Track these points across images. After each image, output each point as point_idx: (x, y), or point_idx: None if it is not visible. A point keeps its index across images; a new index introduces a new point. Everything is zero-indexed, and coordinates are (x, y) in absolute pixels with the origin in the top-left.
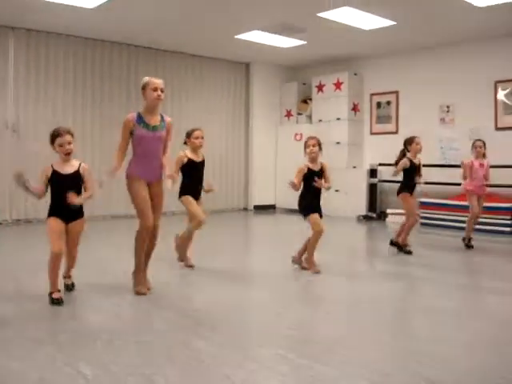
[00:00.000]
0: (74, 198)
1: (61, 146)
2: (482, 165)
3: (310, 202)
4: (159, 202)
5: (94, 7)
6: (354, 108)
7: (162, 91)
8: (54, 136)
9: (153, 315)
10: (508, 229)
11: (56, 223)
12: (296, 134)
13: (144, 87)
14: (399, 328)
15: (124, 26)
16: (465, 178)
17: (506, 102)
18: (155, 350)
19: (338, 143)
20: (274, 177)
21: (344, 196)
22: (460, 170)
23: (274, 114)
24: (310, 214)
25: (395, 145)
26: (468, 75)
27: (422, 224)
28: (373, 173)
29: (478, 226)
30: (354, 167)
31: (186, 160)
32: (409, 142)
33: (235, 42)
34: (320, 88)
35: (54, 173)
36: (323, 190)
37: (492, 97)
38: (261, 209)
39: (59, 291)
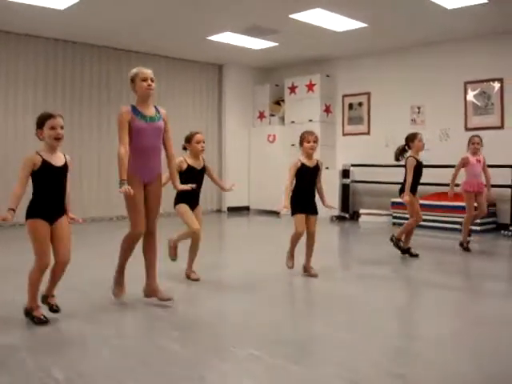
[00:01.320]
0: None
1: (52, 128)
2: (478, 161)
3: (299, 199)
4: (156, 204)
5: (64, 8)
6: (327, 109)
7: (152, 81)
8: (45, 118)
9: (126, 319)
10: (478, 228)
11: (43, 228)
12: (269, 136)
13: (133, 79)
14: (372, 326)
15: (95, 28)
16: (455, 174)
17: (476, 102)
18: (129, 353)
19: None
20: (248, 178)
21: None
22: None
23: (247, 115)
24: (296, 213)
25: (367, 145)
26: (438, 76)
27: (394, 224)
28: (345, 173)
29: (446, 225)
30: (327, 168)
31: (184, 166)
32: (411, 139)
33: (207, 44)
34: (292, 89)
35: (45, 164)
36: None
37: (462, 98)
38: (234, 210)
39: (39, 307)
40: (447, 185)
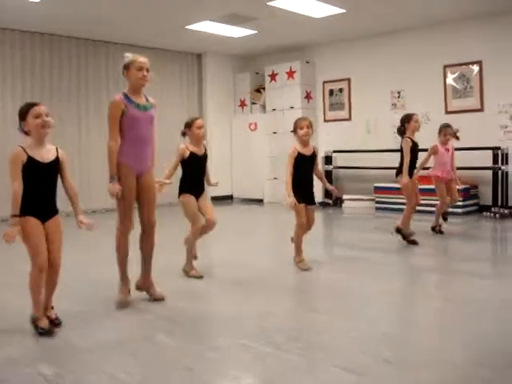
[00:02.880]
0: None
1: (37, 116)
2: (447, 150)
3: (298, 189)
4: (152, 195)
5: (39, 0)
6: (307, 96)
7: (147, 71)
8: (27, 108)
9: (113, 312)
10: (460, 210)
11: (35, 225)
12: (250, 124)
13: (128, 66)
14: (362, 313)
15: (72, 20)
16: (423, 162)
17: (455, 86)
18: (117, 346)
19: (292, 131)
20: (230, 167)
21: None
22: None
23: (228, 104)
24: (296, 203)
25: (349, 131)
26: (418, 61)
27: (377, 209)
28: (328, 160)
29: (429, 209)
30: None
31: (187, 154)
32: (407, 120)
33: (186, 33)
34: (273, 77)
35: (30, 160)
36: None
37: (441, 81)
38: (218, 200)
39: (44, 316)
40: (428, 168)
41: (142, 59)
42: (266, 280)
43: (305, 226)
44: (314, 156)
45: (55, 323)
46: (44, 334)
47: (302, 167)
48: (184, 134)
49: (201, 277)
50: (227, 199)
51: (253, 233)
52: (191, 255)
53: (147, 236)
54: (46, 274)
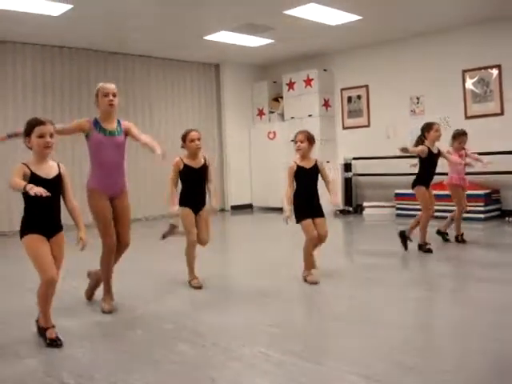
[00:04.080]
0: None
1: (41, 136)
2: (461, 155)
3: (302, 204)
4: (126, 216)
5: (58, 15)
6: (325, 104)
7: (114, 96)
8: (32, 125)
9: (134, 321)
10: (482, 215)
11: (42, 243)
12: (269, 133)
13: (97, 94)
14: (381, 320)
15: (90, 33)
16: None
17: (475, 90)
18: (138, 355)
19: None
20: (250, 176)
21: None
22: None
23: (247, 113)
24: (302, 219)
25: (368, 138)
26: (436, 66)
27: (398, 215)
28: (347, 167)
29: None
30: (328, 162)
31: (181, 166)
32: (427, 129)
33: (204, 44)
34: (291, 85)
35: (34, 177)
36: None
37: (460, 86)
38: (238, 209)
39: (54, 327)
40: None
41: (108, 85)
42: (284, 288)
43: (315, 240)
44: (315, 168)
45: (56, 344)
46: (54, 345)
47: (303, 181)
48: (183, 147)
49: (200, 287)
50: (247, 208)
51: (270, 241)
52: (191, 266)
53: (118, 254)
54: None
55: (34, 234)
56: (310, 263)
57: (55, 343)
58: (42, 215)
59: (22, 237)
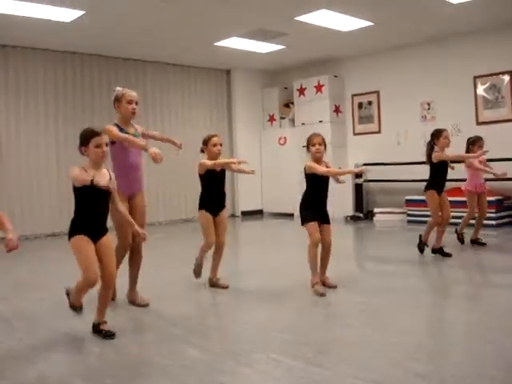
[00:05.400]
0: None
1: (98, 146)
2: (480, 162)
3: (310, 207)
4: (142, 216)
5: (70, 21)
6: (336, 110)
7: (136, 104)
8: (90, 135)
9: (143, 326)
10: (494, 222)
11: (88, 244)
12: (280, 138)
13: (119, 99)
14: (393, 326)
15: (101, 39)
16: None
17: (486, 96)
18: (147, 360)
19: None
20: (260, 182)
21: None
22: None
23: (257, 119)
24: (308, 221)
25: (379, 144)
26: (447, 72)
27: (409, 221)
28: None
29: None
30: (340, 168)
31: (204, 170)
32: (436, 136)
33: (214, 50)
34: (301, 91)
35: (92, 182)
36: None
37: (472, 92)
38: (248, 214)
39: (106, 323)
40: (462, 180)
41: (133, 93)
42: (294, 294)
43: (318, 242)
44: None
45: (108, 335)
46: (109, 337)
47: (316, 184)
48: (203, 151)
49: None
50: (257, 214)
51: (281, 247)
52: (200, 267)
53: (137, 252)
54: (101, 287)
55: (82, 235)
56: (314, 267)
57: (110, 334)
58: (92, 218)
59: (70, 238)
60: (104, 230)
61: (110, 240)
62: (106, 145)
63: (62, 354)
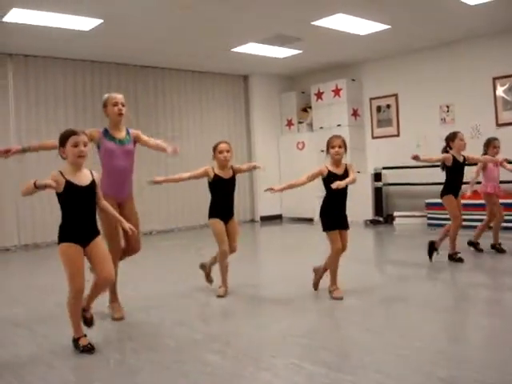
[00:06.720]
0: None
1: (75, 146)
2: (496, 164)
3: (330, 213)
4: (134, 221)
5: (89, 29)
6: (354, 113)
7: (122, 105)
8: (67, 135)
9: (163, 332)
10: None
11: (76, 252)
12: (298, 143)
13: (105, 104)
14: (411, 330)
15: (120, 47)
16: (475, 177)
17: (506, 97)
18: (168, 366)
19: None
20: None
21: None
22: (474, 169)
23: (275, 124)
24: (330, 229)
25: (398, 147)
26: (465, 74)
27: (429, 225)
28: (377, 177)
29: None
30: (358, 172)
31: (212, 175)
32: (451, 139)
33: (232, 56)
34: (319, 96)
35: (69, 185)
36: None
37: (491, 94)
38: (267, 219)
39: (85, 336)
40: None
41: (117, 95)
42: (314, 298)
43: (339, 252)
44: (346, 176)
45: (88, 322)
46: (87, 351)
47: (333, 190)
48: (214, 158)
49: (222, 296)
50: (276, 219)
51: (300, 252)
52: (224, 276)
53: (125, 256)
54: (97, 282)
55: (70, 243)
56: (334, 275)
57: (88, 349)
58: (79, 222)
59: (58, 243)
60: (94, 232)
61: (102, 241)
62: (85, 145)
63: (83, 358)
